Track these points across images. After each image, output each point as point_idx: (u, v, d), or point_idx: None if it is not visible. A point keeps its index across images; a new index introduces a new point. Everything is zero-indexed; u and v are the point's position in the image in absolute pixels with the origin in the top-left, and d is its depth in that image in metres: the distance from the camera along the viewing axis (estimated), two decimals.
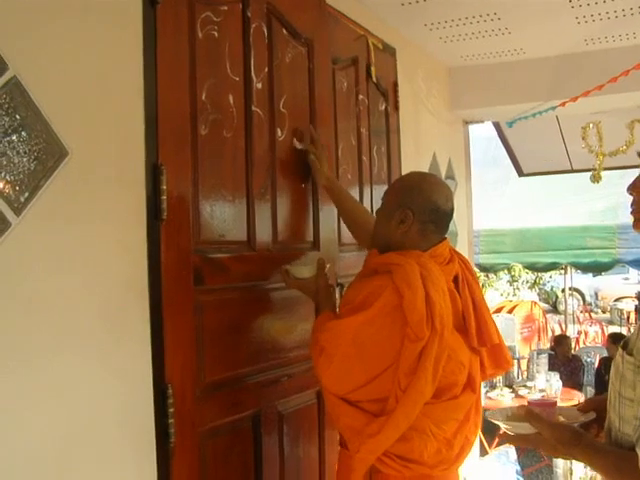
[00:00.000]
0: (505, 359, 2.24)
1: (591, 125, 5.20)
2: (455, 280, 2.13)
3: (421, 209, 2.09)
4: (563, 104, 4.36)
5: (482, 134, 8.40)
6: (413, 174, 2.29)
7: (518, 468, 4.44)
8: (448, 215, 2.16)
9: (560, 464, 5.00)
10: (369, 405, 1.99)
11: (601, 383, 6.61)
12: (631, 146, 5.20)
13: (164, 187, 1.89)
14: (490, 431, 5.06)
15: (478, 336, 2.10)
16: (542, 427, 1.45)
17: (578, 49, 4.28)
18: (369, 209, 3.17)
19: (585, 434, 1.47)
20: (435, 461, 2.01)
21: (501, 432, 1.52)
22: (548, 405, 1.61)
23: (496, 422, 1.57)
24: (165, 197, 1.89)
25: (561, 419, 1.56)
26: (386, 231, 2.14)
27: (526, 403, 1.63)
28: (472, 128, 5.24)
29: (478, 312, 2.13)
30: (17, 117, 1.52)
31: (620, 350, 1.42)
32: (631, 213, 1.49)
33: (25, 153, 1.54)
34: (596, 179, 5.24)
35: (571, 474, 4.86)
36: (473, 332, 2.09)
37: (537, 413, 1.48)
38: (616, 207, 8.13)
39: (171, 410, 1.89)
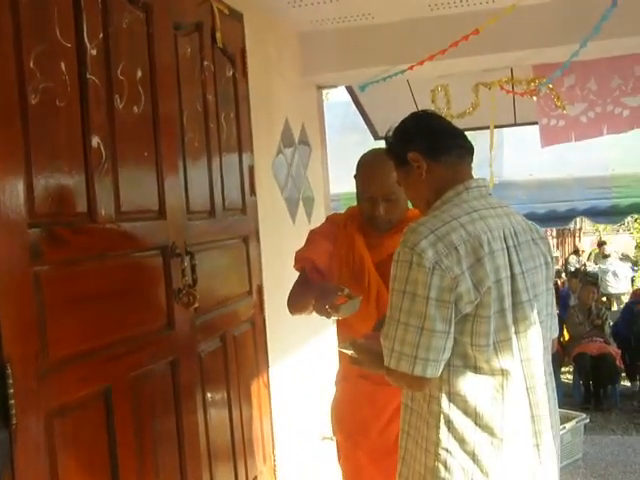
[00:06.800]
0: None
1: (439, 88, 5.38)
2: None
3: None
4: (411, 67, 4.50)
5: (341, 99, 8.51)
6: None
7: None
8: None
9: None
10: None
11: None
12: (477, 108, 5.44)
13: None
14: None
15: None
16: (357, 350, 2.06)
17: (423, 14, 4.40)
18: (219, 176, 3.15)
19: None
20: None
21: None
22: (370, 337, 2.06)
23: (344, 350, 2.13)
24: None
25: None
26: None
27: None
28: (330, 94, 5.30)
29: None
30: None
31: None
32: None
33: None
34: None
35: None
36: None
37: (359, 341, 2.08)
38: None
39: (11, 391, 1.83)
